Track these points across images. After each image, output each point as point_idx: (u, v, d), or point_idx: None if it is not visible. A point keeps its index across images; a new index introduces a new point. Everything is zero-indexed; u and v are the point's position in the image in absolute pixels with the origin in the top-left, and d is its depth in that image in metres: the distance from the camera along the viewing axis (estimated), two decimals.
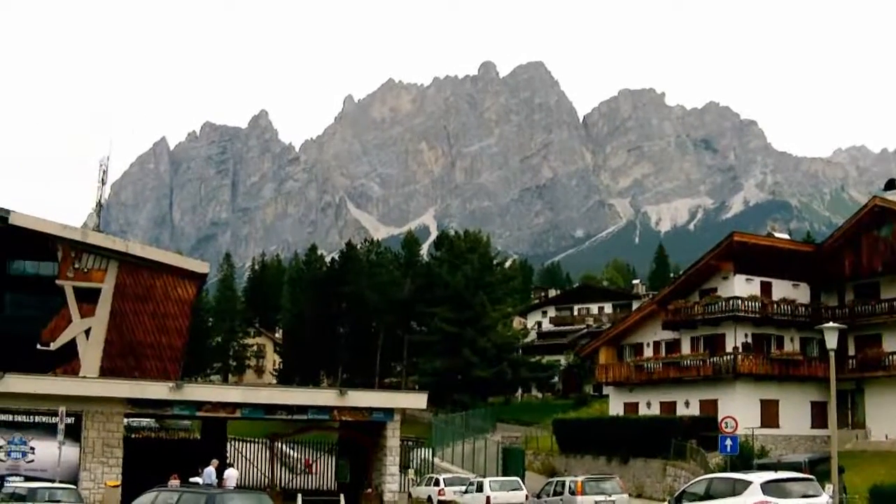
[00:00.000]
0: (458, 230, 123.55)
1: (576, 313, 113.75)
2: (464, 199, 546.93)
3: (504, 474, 50.14)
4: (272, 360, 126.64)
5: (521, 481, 45.80)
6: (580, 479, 40.37)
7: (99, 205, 76.42)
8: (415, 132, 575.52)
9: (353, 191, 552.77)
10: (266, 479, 48.09)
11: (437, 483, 47.39)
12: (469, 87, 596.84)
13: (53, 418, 39.20)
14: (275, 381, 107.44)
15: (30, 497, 28.11)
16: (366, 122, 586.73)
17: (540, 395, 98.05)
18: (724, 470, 39.17)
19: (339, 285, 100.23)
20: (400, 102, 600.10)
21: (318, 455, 51.84)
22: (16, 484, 32.78)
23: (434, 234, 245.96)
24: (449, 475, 50.28)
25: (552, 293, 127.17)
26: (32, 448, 42.84)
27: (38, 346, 49.45)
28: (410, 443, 57.74)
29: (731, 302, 56.71)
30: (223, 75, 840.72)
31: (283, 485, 47.05)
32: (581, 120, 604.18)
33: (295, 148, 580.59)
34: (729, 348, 56.73)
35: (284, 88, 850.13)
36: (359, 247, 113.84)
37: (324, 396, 47.03)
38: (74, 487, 32.88)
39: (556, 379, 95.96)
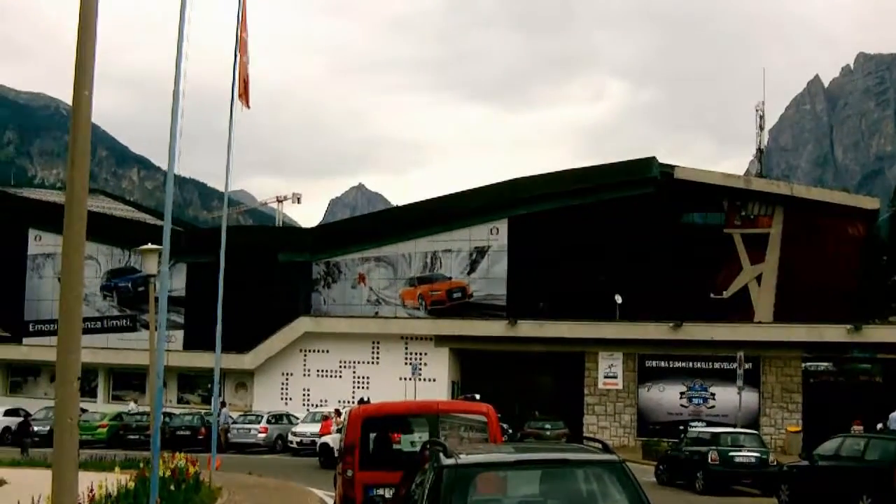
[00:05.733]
0: None
1: None
2: None
3: None
4: None
5: None
6: None
7: (759, 151, 76.51)
8: None
9: None
10: None
11: None
12: None
13: (730, 364, 39.72)
14: None
15: (713, 441, 28.55)
16: None
17: None
18: None
19: None
20: None
21: None
22: (699, 428, 33.64)
23: None
24: None
25: None
26: (713, 394, 44.07)
27: (712, 295, 50.51)
28: None
29: None
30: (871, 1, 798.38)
31: None
32: None
33: None
34: None
35: None
36: None
37: None
38: (756, 433, 32.90)
39: None
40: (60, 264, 7.92)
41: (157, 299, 16.85)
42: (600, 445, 8.70)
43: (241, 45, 20.83)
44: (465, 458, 8.03)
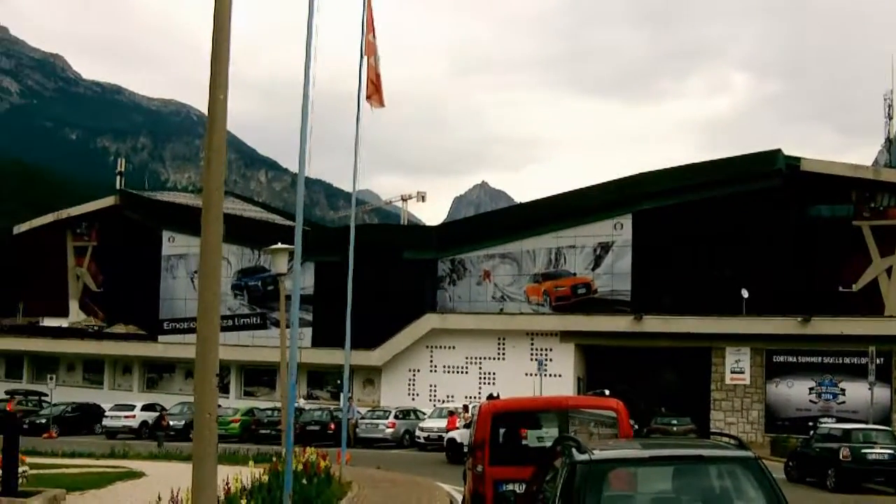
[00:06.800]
0: None
1: None
2: None
3: None
4: None
5: None
6: None
7: (888, 140, 74.33)
8: None
9: None
10: None
11: None
12: None
13: (861, 359, 39.02)
14: None
15: (844, 438, 28.00)
16: None
17: None
18: None
19: None
20: None
21: None
22: (829, 425, 33.08)
23: None
24: None
25: None
26: (843, 390, 43.26)
27: (840, 289, 49.50)
28: None
29: None
30: None
31: None
32: None
33: None
34: None
35: None
36: None
37: None
38: (889, 429, 32.17)
39: None
40: (193, 264, 8.13)
41: (288, 297, 16.82)
42: (734, 441, 8.54)
43: (367, 47, 21.08)
44: (598, 454, 7.91)
